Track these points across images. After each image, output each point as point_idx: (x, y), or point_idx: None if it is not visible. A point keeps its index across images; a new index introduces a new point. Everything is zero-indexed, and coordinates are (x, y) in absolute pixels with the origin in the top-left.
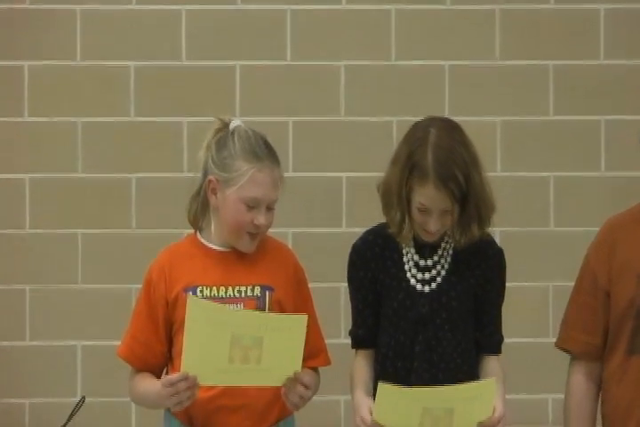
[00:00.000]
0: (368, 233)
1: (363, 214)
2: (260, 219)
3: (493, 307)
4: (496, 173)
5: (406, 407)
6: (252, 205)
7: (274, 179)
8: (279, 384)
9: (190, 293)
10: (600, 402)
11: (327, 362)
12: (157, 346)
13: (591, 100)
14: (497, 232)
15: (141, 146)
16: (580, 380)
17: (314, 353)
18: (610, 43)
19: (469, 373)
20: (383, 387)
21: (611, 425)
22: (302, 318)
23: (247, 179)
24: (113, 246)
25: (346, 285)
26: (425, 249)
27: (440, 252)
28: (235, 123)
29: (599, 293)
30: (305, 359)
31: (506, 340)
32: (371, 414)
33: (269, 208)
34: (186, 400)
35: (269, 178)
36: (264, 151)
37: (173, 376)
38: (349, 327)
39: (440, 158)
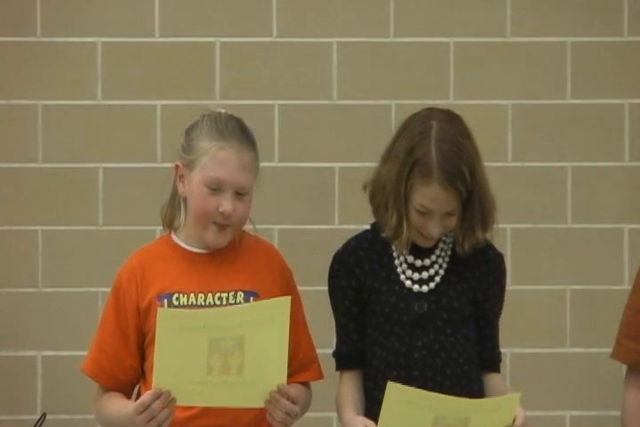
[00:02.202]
0: (351, 239)
1: (357, 209)
2: (226, 205)
3: (495, 317)
4: (507, 163)
5: (416, 416)
6: (214, 188)
7: (241, 160)
8: (262, 405)
9: (165, 301)
10: None
11: (319, 375)
12: (127, 360)
13: (613, 82)
14: (508, 229)
15: (109, 132)
16: (635, 393)
17: (305, 365)
18: (635, 17)
19: (477, 382)
20: (392, 387)
21: None
22: (285, 301)
23: (209, 157)
24: (77, 245)
25: None
26: (421, 249)
27: (438, 252)
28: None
29: None
30: (295, 373)
31: (519, 350)
32: None
33: (240, 194)
34: (164, 422)
35: (235, 158)
36: (233, 131)
37: (145, 398)
38: None
39: (446, 154)
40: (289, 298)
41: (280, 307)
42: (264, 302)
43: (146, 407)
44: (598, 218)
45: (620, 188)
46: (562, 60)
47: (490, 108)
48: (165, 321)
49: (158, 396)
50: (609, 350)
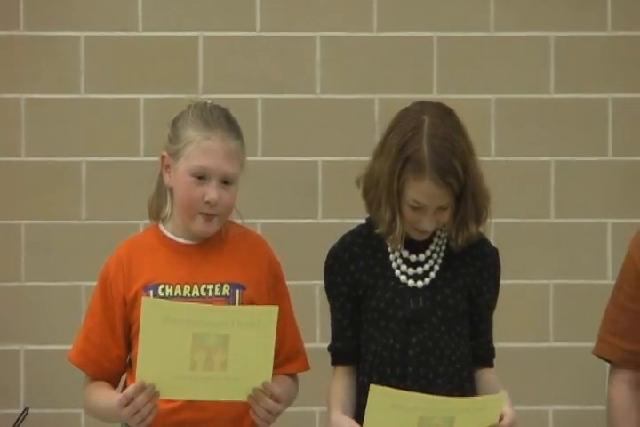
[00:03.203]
0: (345, 235)
1: (340, 203)
2: (211, 193)
3: (490, 312)
4: (490, 157)
5: (401, 418)
6: (200, 176)
7: (227, 149)
8: (244, 399)
9: (151, 292)
10: None
11: (306, 366)
12: (114, 349)
13: (597, 77)
14: (491, 224)
15: (92, 126)
16: (623, 389)
17: (292, 356)
18: (618, 12)
19: (469, 380)
20: (376, 389)
21: None
22: (273, 310)
23: (194, 147)
24: (60, 239)
25: (322, 283)
26: (415, 244)
27: (432, 247)
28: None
29: None
30: (281, 364)
31: (502, 345)
32: None
33: (225, 183)
34: (148, 416)
35: (220, 147)
36: (219, 121)
37: (128, 390)
38: (325, 330)
39: (438, 150)
40: (277, 307)
41: (267, 315)
42: (251, 307)
43: (129, 400)
44: (581, 213)
45: (604, 182)
46: (545, 54)
47: (473, 102)
48: (150, 311)
49: (142, 389)
50: (592, 344)
